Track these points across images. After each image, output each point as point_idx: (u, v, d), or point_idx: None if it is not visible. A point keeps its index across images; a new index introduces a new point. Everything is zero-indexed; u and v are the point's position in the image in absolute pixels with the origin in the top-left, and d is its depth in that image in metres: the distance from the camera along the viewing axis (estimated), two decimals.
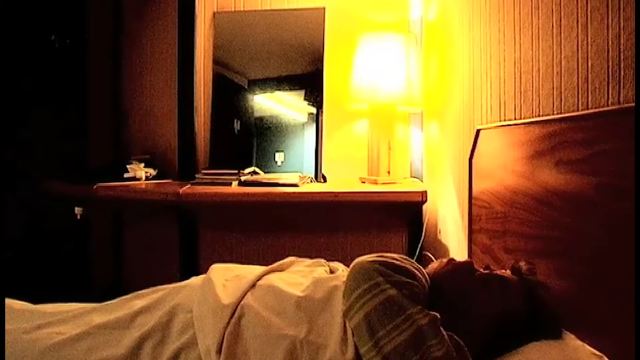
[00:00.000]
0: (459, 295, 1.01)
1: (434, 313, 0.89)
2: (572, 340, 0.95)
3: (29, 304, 1.08)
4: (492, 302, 1.00)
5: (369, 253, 1.04)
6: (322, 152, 2.24)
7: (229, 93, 2.36)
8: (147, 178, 2.22)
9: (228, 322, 0.92)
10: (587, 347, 0.92)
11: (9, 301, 1.06)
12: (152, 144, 2.50)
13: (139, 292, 1.08)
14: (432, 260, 2.02)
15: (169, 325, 0.95)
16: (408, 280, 0.92)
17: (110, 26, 2.60)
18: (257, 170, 2.20)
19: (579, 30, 1.03)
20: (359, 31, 2.19)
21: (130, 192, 2.04)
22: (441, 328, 0.88)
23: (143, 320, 0.97)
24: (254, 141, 2.32)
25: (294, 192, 1.95)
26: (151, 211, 2.37)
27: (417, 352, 0.84)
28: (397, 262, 0.95)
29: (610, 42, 0.93)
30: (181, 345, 0.91)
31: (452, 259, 1.11)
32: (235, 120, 2.34)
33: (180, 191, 1.94)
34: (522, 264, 1.10)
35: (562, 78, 1.10)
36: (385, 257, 0.96)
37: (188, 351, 0.90)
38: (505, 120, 1.42)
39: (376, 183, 2.08)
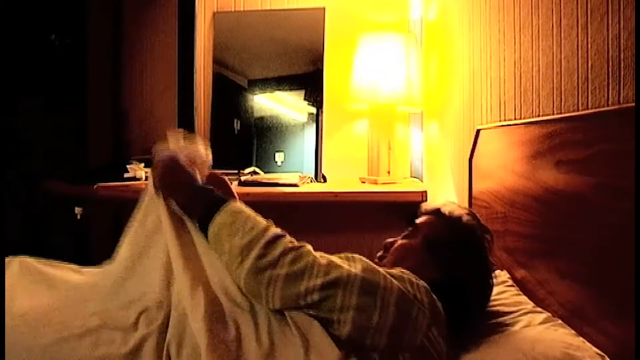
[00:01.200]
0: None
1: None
2: (574, 338, 0.95)
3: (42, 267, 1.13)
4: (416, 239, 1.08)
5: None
6: (322, 152, 2.24)
7: (229, 93, 2.36)
8: (147, 178, 2.21)
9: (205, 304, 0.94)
10: (588, 344, 0.92)
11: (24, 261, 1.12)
12: (152, 144, 2.50)
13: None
14: None
15: (169, 321, 0.96)
16: (284, 249, 0.91)
17: (110, 26, 2.60)
18: (257, 170, 2.20)
19: (579, 30, 1.03)
20: (359, 31, 2.19)
21: (130, 192, 2.04)
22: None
23: (147, 320, 0.98)
24: (254, 141, 2.32)
25: (294, 192, 1.95)
26: None
27: (338, 287, 0.86)
28: (266, 238, 0.94)
29: (610, 42, 0.93)
30: (176, 337, 0.92)
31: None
32: (235, 120, 2.34)
33: None
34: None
35: (562, 78, 1.10)
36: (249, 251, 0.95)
37: (182, 343, 0.91)
38: (505, 120, 1.42)
39: (376, 183, 2.08)
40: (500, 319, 1.08)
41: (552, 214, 1.11)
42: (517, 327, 1.03)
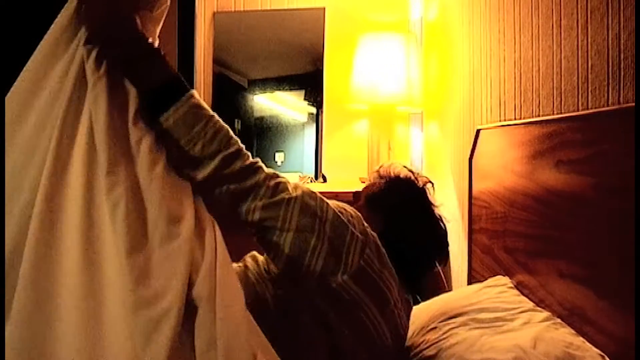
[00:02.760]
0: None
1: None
2: (575, 337, 0.95)
3: None
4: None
5: None
6: (322, 152, 2.24)
7: (229, 93, 2.36)
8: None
9: None
10: (589, 344, 0.92)
11: None
12: None
13: None
14: None
15: None
16: (241, 167, 0.88)
17: None
18: None
19: (579, 30, 1.03)
20: (359, 31, 2.19)
21: None
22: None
23: None
24: (254, 141, 2.32)
25: None
26: None
27: (279, 209, 0.87)
28: None
29: (610, 42, 0.93)
30: None
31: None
32: (236, 120, 2.34)
33: None
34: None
35: (562, 78, 1.10)
36: None
37: None
38: (505, 120, 1.42)
39: None
40: (500, 314, 1.08)
41: (552, 214, 1.11)
42: (516, 324, 1.03)
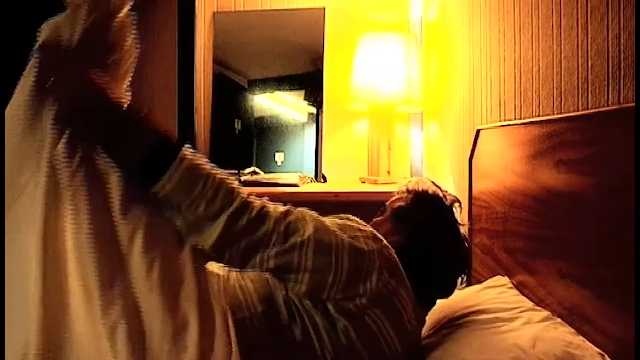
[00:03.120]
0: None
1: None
2: (574, 336, 0.95)
3: None
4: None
5: None
6: (322, 152, 2.24)
7: (229, 93, 2.36)
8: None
9: None
10: (588, 343, 0.92)
11: None
12: None
13: None
14: None
15: None
16: (248, 221, 0.84)
17: None
18: (257, 170, 2.20)
19: (579, 30, 1.03)
20: (359, 31, 2.19)
21: None
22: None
23: None
24: (254, 141, 2.32)
25: (294, 192, 1.95)
26: None
27: (293, 253, 0.85)
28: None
29: (610, 42, 0.93)
30: None
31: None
32: (236, 120, 2.34)
33: None
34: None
35: (562, 78, 1.10)
36: None
37: None
38: (505, 120, 1.42)
39: (376, 183, 2.08)
40: (500, 315, 1.08)
41: (552, 214, 1.11)
42: (516, 324, 1.03)
